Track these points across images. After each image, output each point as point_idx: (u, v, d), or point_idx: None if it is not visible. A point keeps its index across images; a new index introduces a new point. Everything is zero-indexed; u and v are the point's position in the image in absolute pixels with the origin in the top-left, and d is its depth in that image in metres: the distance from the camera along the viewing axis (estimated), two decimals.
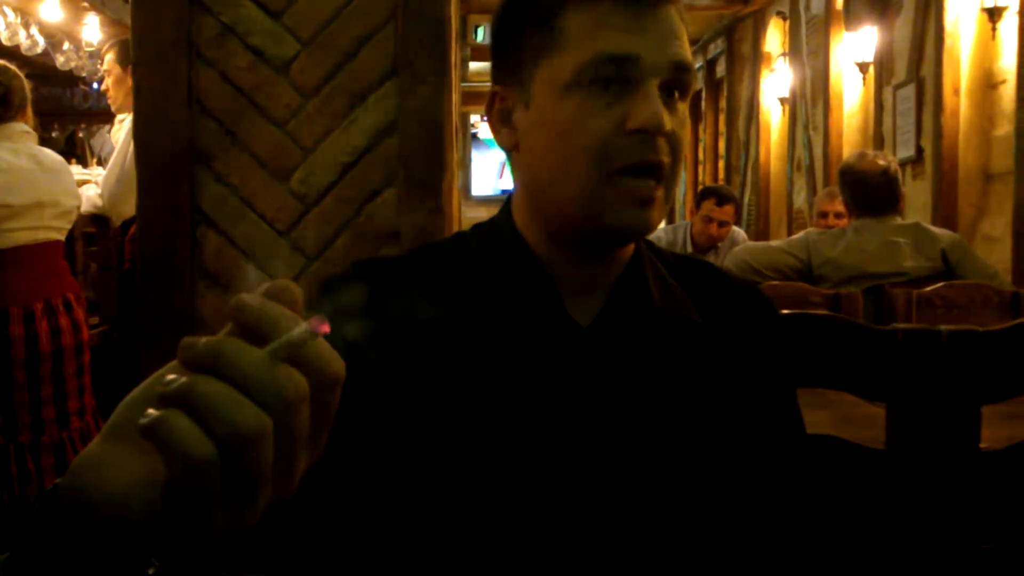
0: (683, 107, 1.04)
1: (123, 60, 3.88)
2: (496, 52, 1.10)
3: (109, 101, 4.05)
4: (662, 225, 5.47)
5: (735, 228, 5.20)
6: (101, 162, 5.48)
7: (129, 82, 3.79)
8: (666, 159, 1.00)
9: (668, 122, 0.99)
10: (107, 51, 4.07)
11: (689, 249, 4.98)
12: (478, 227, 1.14)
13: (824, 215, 4.54)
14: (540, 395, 1.02)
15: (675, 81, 1.02)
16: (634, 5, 1.00)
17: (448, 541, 1.01)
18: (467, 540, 1.00)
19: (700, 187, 9.44)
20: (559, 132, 1.02)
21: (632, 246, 1.10)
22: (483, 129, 12.48)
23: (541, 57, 1.03)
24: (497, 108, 1.09)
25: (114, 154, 3.74)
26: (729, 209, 4.99)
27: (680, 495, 1.04)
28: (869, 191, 3.40)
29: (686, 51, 1.03)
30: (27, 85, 3.25)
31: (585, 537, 1.01)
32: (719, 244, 5.01)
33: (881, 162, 3.43)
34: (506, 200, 1.13)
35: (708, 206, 4.94)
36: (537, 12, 1.04)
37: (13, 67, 3.28)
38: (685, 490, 1.04)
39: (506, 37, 1.08)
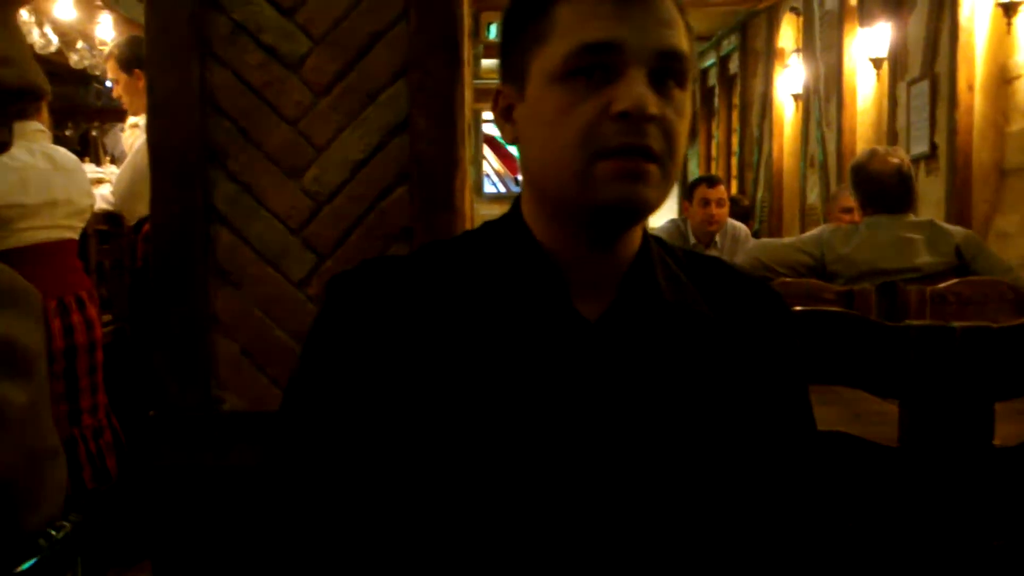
0: (681, 95, 1.04)
1: (125, 65, 3.89)
2: (501, 51, 1.12)
3: (125, 107, 4.06)
4: (661, 223, 5.47)
5: (736, 223, 5.19)
6: (114, 160, 5.50)
7: (139, 84, 3.81)
8: (655, 144, 1.01)
9: (652, 106, 0.99)
10: (107, 60, 4.07)
11: (692, 241, 4.99)
12: (488, 224, 1.14)
13: (849, 210, 4.48)
14: (548, 390, 1.02)
15: (666, 69, 1.02)
16: None
17: (455, 534, 1.01)
18: (475, 534, 1.01)
19: None
20: (549, 121, 1.04)
21: (639, 240, 1.10)
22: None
23: (535, 49, 1.05)
24: (501, 105, 1.11)
25: (130, 154, 3.75)
26: (721, 188, 5.07)
27: (689, 490, 1.04)
28: (884, 190, 3.37)
29: (677, 39, 1.03)
30: (48, 90, 3.26)
31: (594, 531, 1.01)
32: (717, 238, 5.01)
33: (894, 160, 3.40)
34: (516, 197, 1.14)
35: (701, 191, 5.00)
36: (532, 9, 1.06)
37: None
38: (694, 485, 1.04)
39: (508, 35, 1.10)
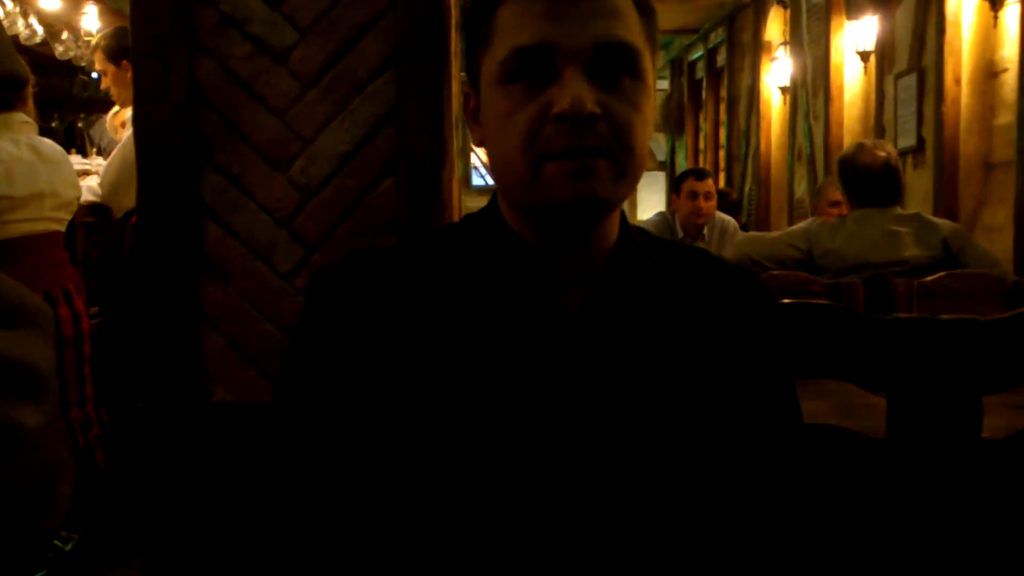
0: (634, 84, 1.03)
1: (113, 56, 3.88)
2: (464, 53, 1.13)
3: (114, 98, 4.04)
4: (649, 216, 5.49)
5: (724, 216, 5.20)
6: (101, 152, 5.48)
7: (127, 75, 3.80)
8: (600, 142, 1.00)
9: (591, 105, 0.99)
10: (94, 52, 4.06)
11: (680, 234, 5.00)
12: (469, 217, 1.15)
13: (836, 203, 4.48)
14: (530, 382, 1.02)
15: (609, 62, 1.01)
16: None
17: (442, 524, 1.01)
18: (457, 527, 1.01)
19: None
20: (497, 126, 1.05)
21: (616, 231, 1.10)
22: None
23: (482, 55, 1.07)
24: (470, 107, 1.12)
25: (118, 145, 3.74)
26: (709, 182, 5.08)
27: (671, 480, 1.04)
28: (871, 184, 3.38)
29: (620, 30, 1.02)
30: (31, 78, 3.25)
31: (577, 521, 1.01)
32: (705, 231, 5.02)
33: (881, 154, 3.40)
34: (495, 190, 1.14)
35: (689, 184, 5.01)
36: (480, 13, 1.07)
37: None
38: (676, 474, 1.04)
39: (466, 37, 1.11)
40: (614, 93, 1.01)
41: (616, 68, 1.02)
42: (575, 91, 0.98)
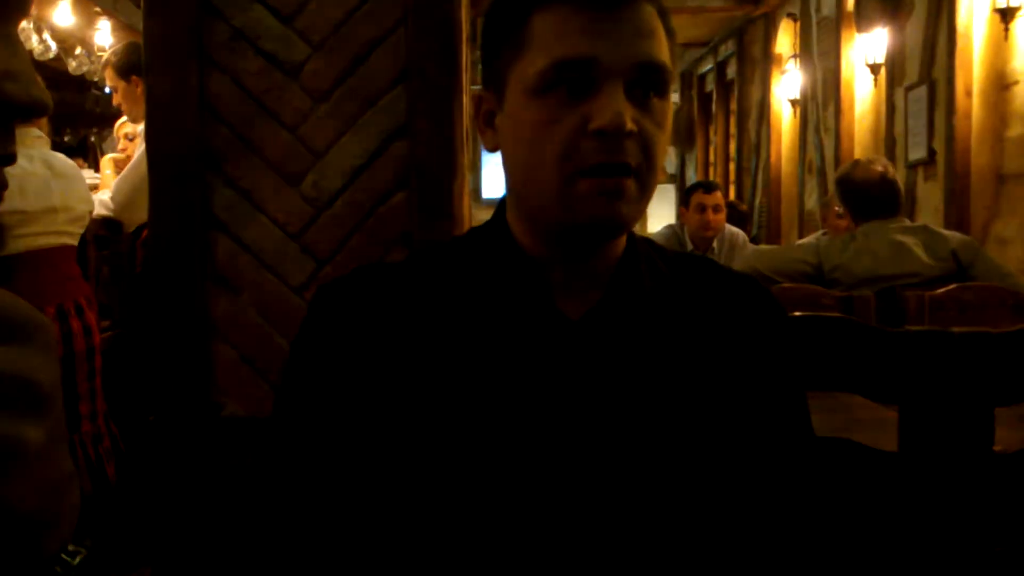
0: (660, 104, 1.03)
1: (122, 72, 3.89)
2: (482, 55, 1.12)
3: (125, 114, 4.06)
4: (659, 229, 5.48)
5: (734, 229, 5.19)
6: None
7: (137, 91, 3.82)
8: (633, 160, 1.00)
9: (630, 122, 0.99)
10: (104, 68, 4.08)
11: (689, 247, 4.99)
12: (474, 229, 1.15)
13: (843, 215, 4.49)
14: (532, 391, 1.02)
15: (644, 81, 1.01)
16: (593, 8, 1.01)
17: (442, 536, 1.01)
18: (461, 535, 1.01)
19: None
20: (527, 136, 1.03)
21: (623, 243, 1.10)
22: None
23: (511, 62, 1.05)
24: (483, 111, 1.11)
25: (132, 161, 3.75)
26: (718, 195, 5.08)
27: (677, 492, 1.04)
28: (871, 198, 3.40)
29: (655, 50, 1.02)
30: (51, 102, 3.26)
31: (579, 530, 1.01)
32: (715, 244, 5.01)
33: (878, 168, 3.44)
34: (500, 201, 1.14)
35: (698, 197, 5.01)
36: (509, 17, 1.06)
37: None
38: (683, 487, 1.04)
39: (488, 40, 1.10)
40: (646, 112, 1.02)
41: (649, 87, 1.02)
42: (617, 108, 0.98)
